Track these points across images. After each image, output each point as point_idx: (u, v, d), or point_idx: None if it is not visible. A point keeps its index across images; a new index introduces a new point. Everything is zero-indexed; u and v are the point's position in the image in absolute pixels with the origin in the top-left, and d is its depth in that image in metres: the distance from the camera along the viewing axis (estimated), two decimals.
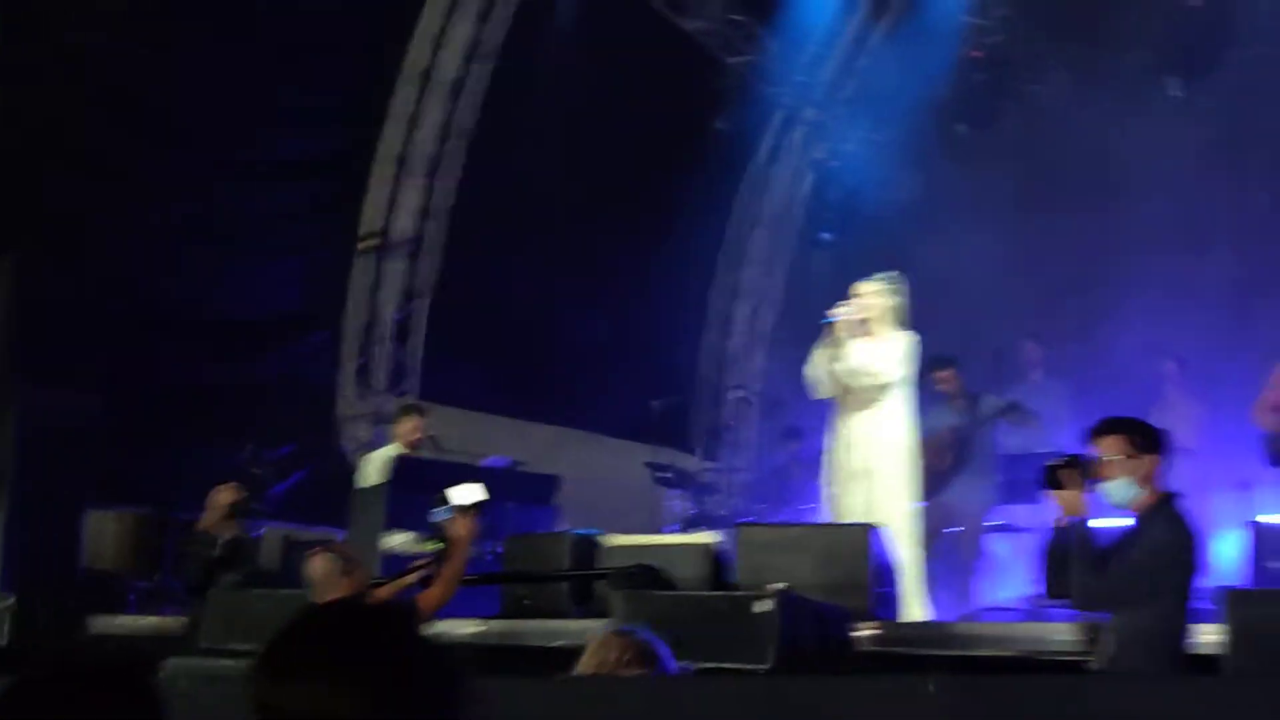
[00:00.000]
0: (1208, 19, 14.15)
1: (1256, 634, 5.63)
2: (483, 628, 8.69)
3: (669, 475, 13.71)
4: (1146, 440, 6.11)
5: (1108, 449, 6.08)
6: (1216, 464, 12.29)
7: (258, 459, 12.05)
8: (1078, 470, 6.08)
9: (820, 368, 9.36)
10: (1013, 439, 12.91)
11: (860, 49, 17.13)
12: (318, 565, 6.81)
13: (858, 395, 9.30)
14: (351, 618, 2.37)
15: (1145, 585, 5.82)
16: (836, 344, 9.29)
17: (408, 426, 11.50)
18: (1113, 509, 6.22)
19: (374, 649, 2.27)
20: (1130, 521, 6.24)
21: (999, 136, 16.16)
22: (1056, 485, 6.08)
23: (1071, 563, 6.00)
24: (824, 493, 9.41)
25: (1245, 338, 13.76)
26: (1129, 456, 6.03)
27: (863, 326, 9.45)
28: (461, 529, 7.23)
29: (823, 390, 9.43)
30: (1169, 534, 5.96)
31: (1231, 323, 14.20)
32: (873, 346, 9.35)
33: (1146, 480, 6.05)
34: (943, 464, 11.12)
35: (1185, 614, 5.91)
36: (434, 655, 2.34)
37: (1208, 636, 6.36)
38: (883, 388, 9.19)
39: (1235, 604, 5.69)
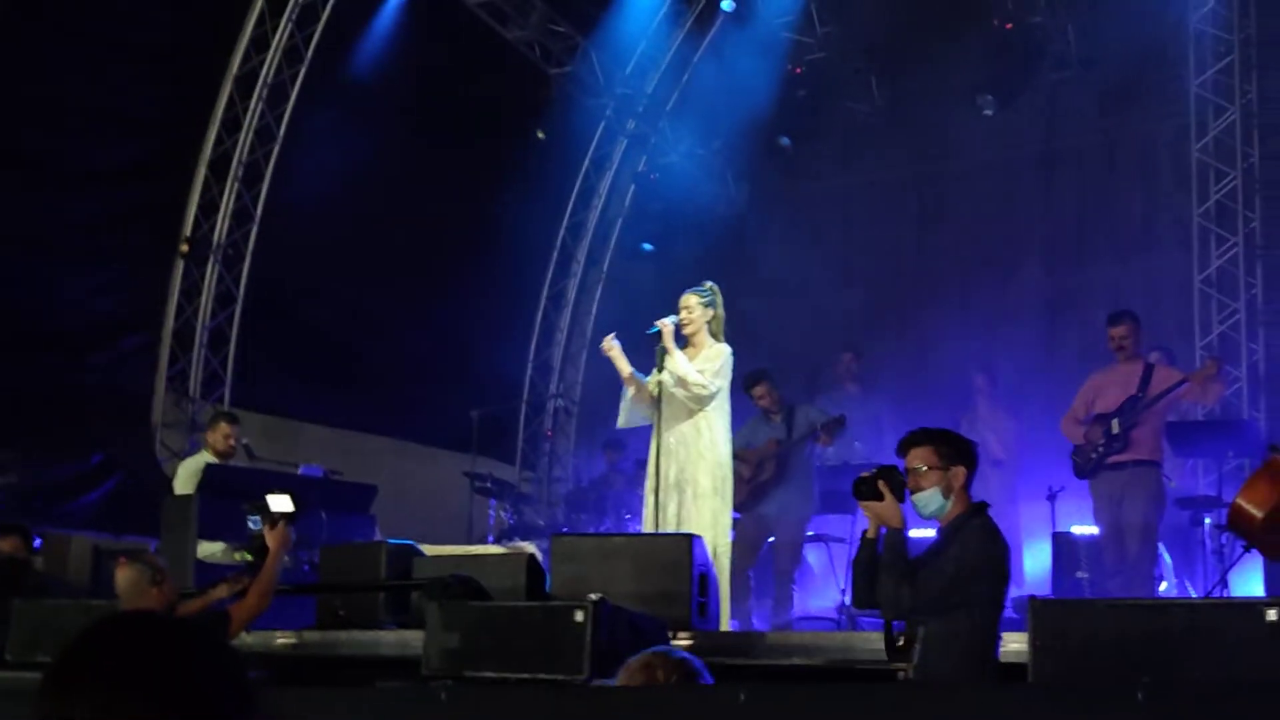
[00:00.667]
0: (1019, 43, 14.49)
1: (1060, 642, 5.73)
2: (297, 639, 8.57)
3: (488, 485, 13.65)
4: (955, 451, 6.17)
5: (918, 460, 6.13)
6: (1025, 475, 12.56)
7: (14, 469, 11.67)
8: (889, 481, 6.11)
9: (630, 373, 9.38)
10: (829, 450, 13.09)
11: (684, 63, 17.25)
12: (125, 575, 6.66)
13: (675, 406, 9.32)
14: (140, 628, 2.31)
15: (957, 595, 5.90)
16: (659, 354, 9.32)
17: (219, 434, 11.28)
18: (922, 520, 6.27)
19: (161, 659, 2.22)
20: (933, 533, 6.30)
21: (821, 151, 16.37)
22: (869, 496, 6.11)
23: (882, 573, 6.04)
24: (645, 504, 9.42)
25: (1054, 352, 14.12)
26: (938, 467, 6.09)
27: (683, 337, 9.51)
28: (274, 539, 7.12)
29: (622, 421, 9.50)
30: (980, 544, 6.04)
31: (1041, 338, 14.56)
32: (698, 359, 9.40)
33: (955, 491, 6.11)
34: (763, 476, 11.22)
35: (996, 623, 6.00)
36: (225, 667, 2.29)
37: (1014, 645, 6.48)
38: (699, 399, 9.22)
39: (1039, 613, 5.78)
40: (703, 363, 9.25)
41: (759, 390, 11.40)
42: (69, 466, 13.23)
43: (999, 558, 6.01)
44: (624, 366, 9.38)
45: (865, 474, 6.19)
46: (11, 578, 8.81)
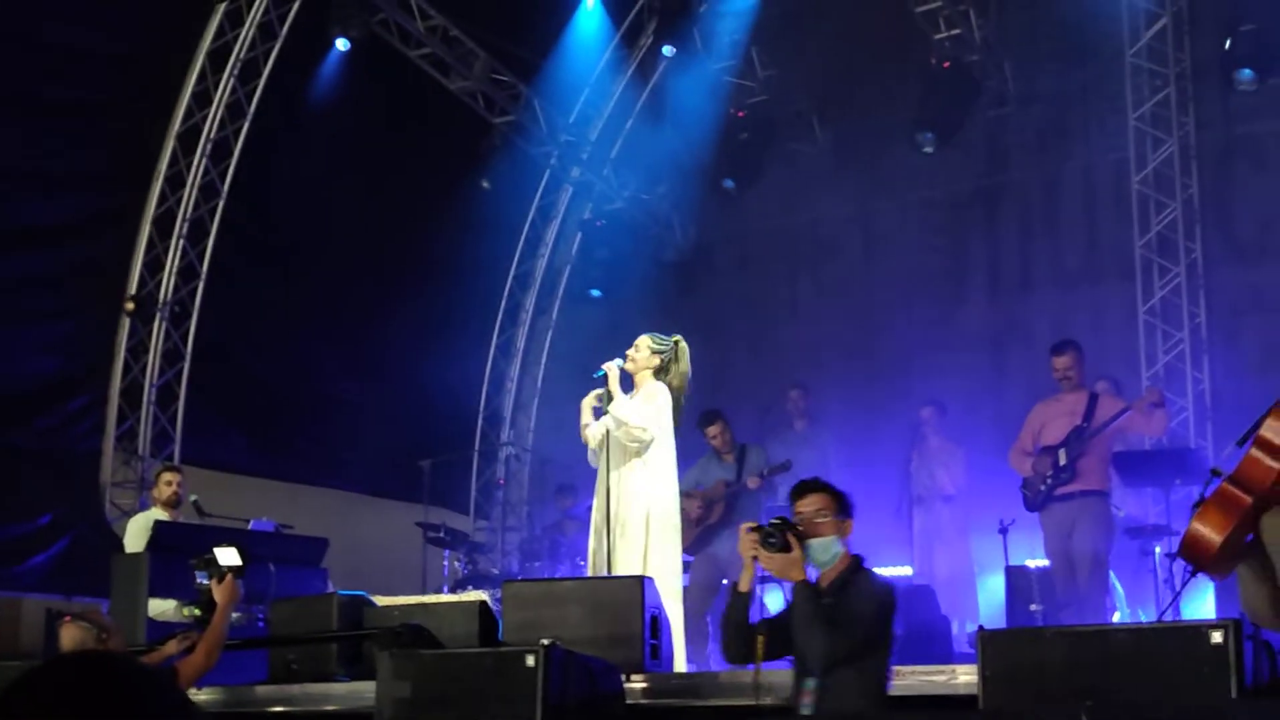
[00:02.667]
0: (958, 81, 14.63)
1: (1009, 672, 5.76)
2: (249, 693, 8.52)
3: (441, 535, 13.61)
4: (847, 504, 6.15)
5: (815, 505, 6.09)
6: (977, 510, 12.61)
7: None
8: (792, 532, 6.04)
9: (588, 423, 9.41)
10: (779, 491, 13.12)
11: (627, 109, 17.33)
12: (70, 634, 6.60)
13: (623, 449, 9.34)
14: (88, 665, 2.31)
15: (876, 639, 5.93)
16: (605, 399, 9.34)
17: (161, 483, 11.25)
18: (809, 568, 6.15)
19: (110, 693, 2.23)
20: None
21: (765, 192, 16.46)
22: (779, 548, 6.01)
23: (814, 624, 5.94)
24: (591, 546, 9.41)
25: (1001, 385, 14.21)
26: (836, 516, 6.08)
27: (630, 381, 9.55)
28: (221, 593, 7.09)
29: (591, 443, 9.47)
30: (881, 587, 6.06)
31: (988, 371, 14.65)
32: (638, 401, 9.42)
33: (845, 541, 6.08)
34: (711, 519, 11.25)
35: (890, 663, 6.03)
36: (173, 705, 2.30)
37: (965, 677, 6.51)
38: (640, 441, 9.24)
39: (988, 643, 5.81)
40: (642, 403, 9.26)
41: (712, 430, 11.47)
42: (16, 528, 13.13)
43: (894, 603, 6.01)
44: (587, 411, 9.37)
45: (773, 522, 6.09)
46: None
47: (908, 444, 12.88)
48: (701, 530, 11.22)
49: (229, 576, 7.02)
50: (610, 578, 8.88)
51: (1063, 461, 10.37)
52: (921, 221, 15.75)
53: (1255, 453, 6.48)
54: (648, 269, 16.19)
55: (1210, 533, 7.23)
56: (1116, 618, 10.76)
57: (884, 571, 12.35)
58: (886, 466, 12.94)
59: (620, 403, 9.16)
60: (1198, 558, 7.36)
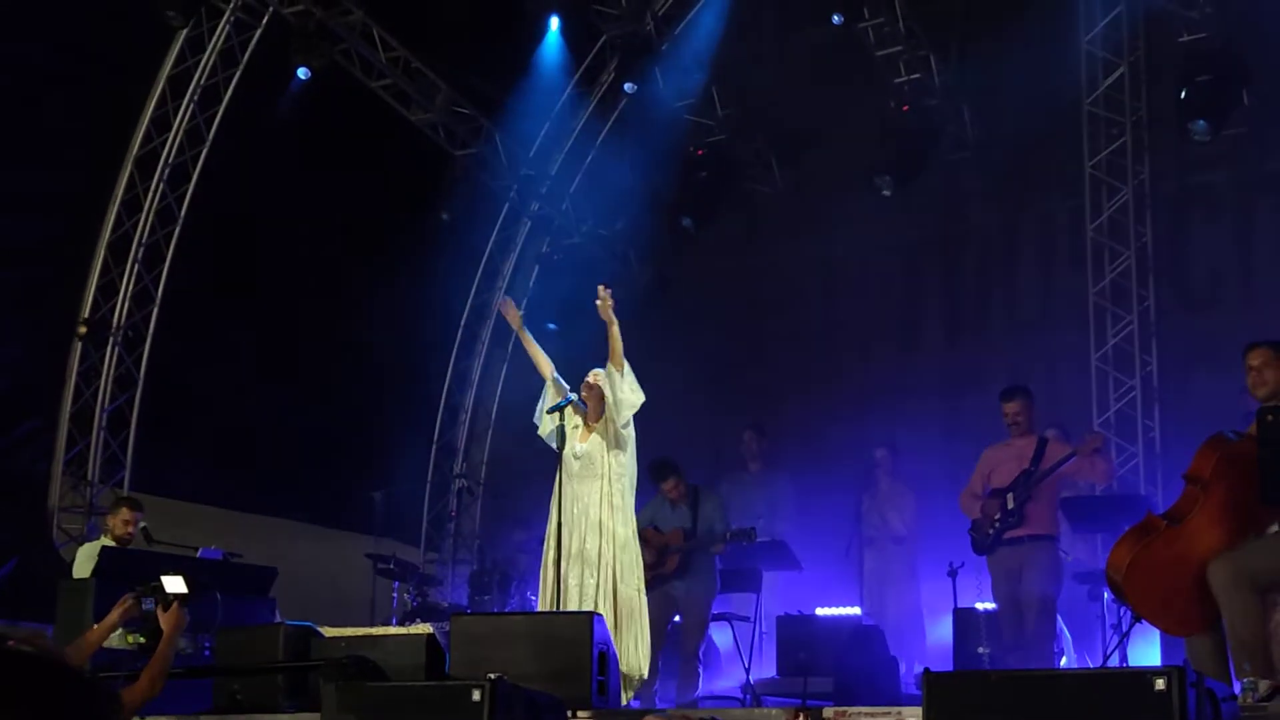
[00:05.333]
0: (916, 125, 14.72)
1: (954, 716, 5.78)
2: None
3: (391, 567, 13.55)
4: None
5: None
6: (926, 552, 12.65)
7: None
8: None
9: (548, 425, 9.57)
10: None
11: (587, 144, 17.37)
12: None
13: (580, 480, 9.40)
14: (15, 663, 2.32)
15: None
16: (571, 422, 9.51)
17: (119, 519, 11.16)
18: None
19: (34, 690, 2.24)
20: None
21: (723, 231, 16.48)
22: None
23: None
24: (543, 577, 9.42)
25: (954, 429, 14.25)
26: None
27: (589, 413, 9.65)
28: (167, 621, 7.03)
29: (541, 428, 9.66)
30: None
31: (941, 414, 14.70)
32: (598, 434, 9.54)
33: None
34: (665, 569, 11.22)
35: None
36: (78, 697, 2.31)
37: (912, 718, 6.53)
38: (605, 467, 9.32)
39: (933, 686, 5.83)
40: (607, 439, 9.43)
41: (668, 484, 11.44)
42: None
43: None
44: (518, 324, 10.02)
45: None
46: None
47: (860, 486, 12.91)
48: (652, 577, 11.21)
49: (175, 604, 6.97)
50: (559, 613, 8.89)
51: (1010, 505, 10.40)
52: (879, 264, 15.81)
53: (1187, 488, 6.65)
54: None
55: (1120, 554, 7.37)
56: (1063, 662, 10.79)
57: (832, 612, 12.41)
58: (838, 508, 12.96)
59: (615, 332, 9.54)
60: (1112, 579, 7.48)
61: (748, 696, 10.96)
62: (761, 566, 12.50)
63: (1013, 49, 14.43)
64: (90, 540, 12.24)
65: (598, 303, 9.61)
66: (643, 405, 9.74)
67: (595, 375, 9.75)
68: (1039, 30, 14.62)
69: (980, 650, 10.79)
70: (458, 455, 17.89)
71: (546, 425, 9.69)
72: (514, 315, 10.03)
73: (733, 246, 16.69)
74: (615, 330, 9.63)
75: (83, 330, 14.26)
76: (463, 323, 17.84)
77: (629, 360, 9.77)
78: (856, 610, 12.45)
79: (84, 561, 10.83)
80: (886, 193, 14.75)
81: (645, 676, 9.37)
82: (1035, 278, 15.14)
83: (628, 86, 15.22)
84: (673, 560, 11.20)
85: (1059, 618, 10.71)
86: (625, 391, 9.58)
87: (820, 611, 12.41)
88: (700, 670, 11.26)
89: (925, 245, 15.69)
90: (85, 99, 13.94)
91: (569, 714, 7.47)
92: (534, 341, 10.00)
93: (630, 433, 9.64)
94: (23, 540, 13.59)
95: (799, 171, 16.38)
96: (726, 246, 16.65)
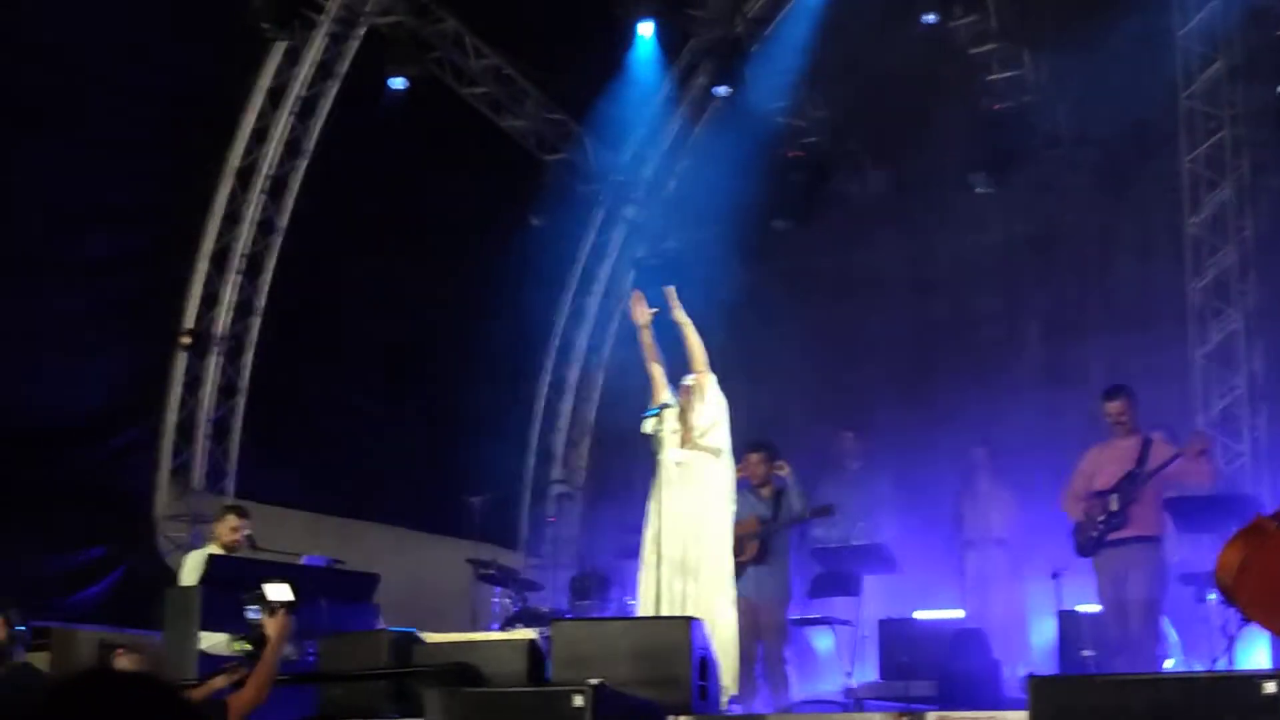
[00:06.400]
0: (1012, 123, 14.61)
1: (1058, 719, 5.74)
2: None
3: (491, 572, 13.62)
4: None
5: None
6: (1029, 553, 12.54)
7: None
8: None
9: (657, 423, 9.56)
10: (833, 532, 13.09)
11: (680, 148, 17.40)
12: (122, 667, 6.66)
13: (678, 486, 9.43)
14: (101, 686, 2.35)
15: None
16: (670, 427, 9.52)
17: (227, 527, 11.31)
18: None
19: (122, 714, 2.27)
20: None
21: (818, 233, 16.44)
22: None
23: None
24: (643, 582, 9.43)
25: (1055, 429, 14.10)
26: None
27: (686, 419, 9.66)
28: (273, 628, 7.11)
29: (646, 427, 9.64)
30: None
31: (1041, 414, 14.55)
32: (695, 441, 9.55)
33: None
34: (743, 556, 11.15)
35: None
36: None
37: None
38: (704, 474, 9.34)
39: (1039, 690, 5.79)
40: (705, 413, 9.48)
41: (754, 457, 11.24)
42: (70, 560, 13.23)
43: None
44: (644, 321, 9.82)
45: None
46: None
47: (960, 487, 12.83)
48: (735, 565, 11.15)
49: (281, 612, 7.04)
50: (659, 618, 8.90)
51: (1114, 507, 10.29)
52: (975, 264, 15.71)
53: None
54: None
55: (1231, 556, 7.27)
56: (1169, 665, 10.66)
57: (934, 615, 12.34)
58: (939, 509, 12.90)
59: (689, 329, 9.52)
60: (1222, 581, 7.38)
61: (849, 700, 10.93)
62: (861, 570, 12.46)
63: (1107, 44, 14.27)
64: (195, 548, 12.41)
65: (669, 305, 9.56)
66: (740, 409, 9.72)
67: (689, 379, 9.74)
68: (1133, 24, 14.45)
69: (1085, 653, 10.69)
70: (556, 460, 17.96)
71: (648, 427, 9.69)
72: (643, 311, 9.91)
73: (827, 248, 16.63)
74: (690, 331, 9.59)
75: (186, 340, 14.44)
76: (560, 328, 17.92)
77: (724, 363, 9.77)
78: (958, 613, 12.38)
79: (191, 569, 10.97)
80: (981, 191, 14.66)
81: (734, 692, 9.31)
82: (1133, 274, 14.97)
83: (719, 90, 15.20)
84: (751, 547, 11.00)
85: (1165, 620, 10.59)
86: (703, 411, 9.52)
87: (921, 614, 12.36)
88: (789, 673, 11.16)
89: (1021, 243, 15.56)
90: (187, 112, 14.13)
91: (669, 719, 7.48)
92: (653, 343, 9.90)
93: (726, 440, 9.61)
94: (129, 549, 13.79)
95: (893, 172, 16.30)
96: (821, 248, 16.60)
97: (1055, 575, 11.39)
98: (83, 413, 13.68)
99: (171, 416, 14.50)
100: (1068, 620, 11.29)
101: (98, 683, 2.35)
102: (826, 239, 16.59)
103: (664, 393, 9.72)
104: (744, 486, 11.47)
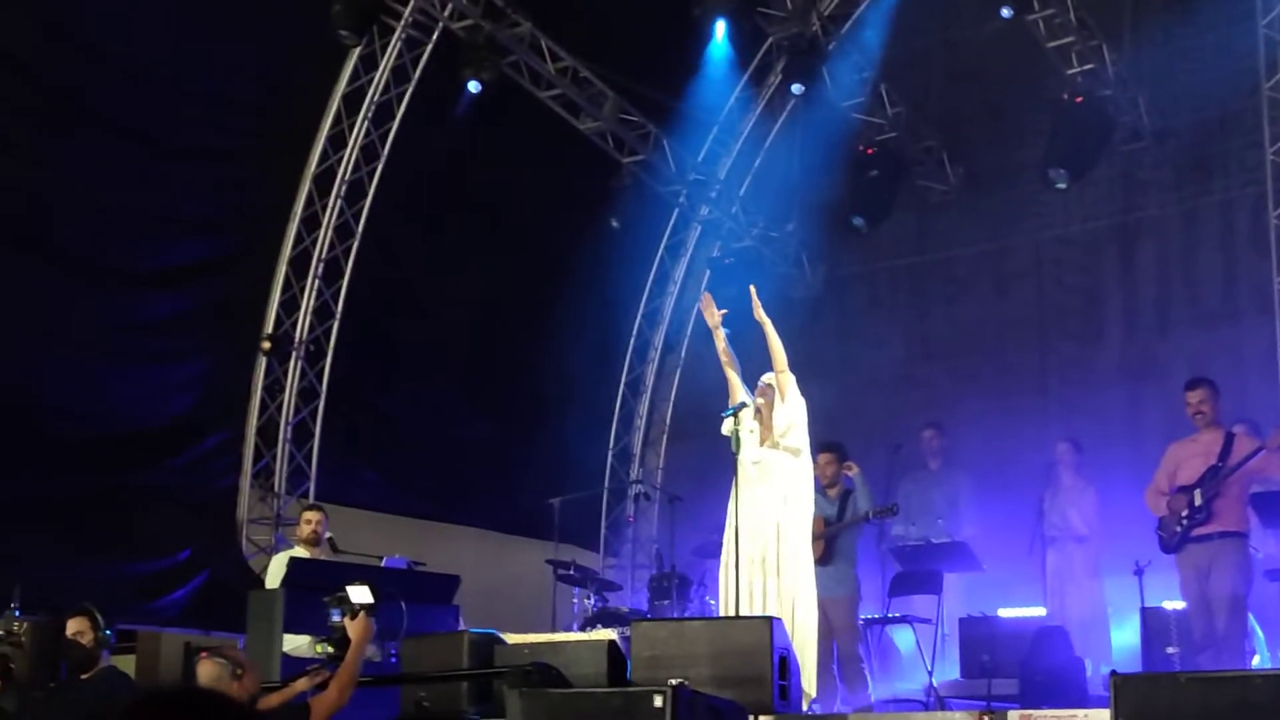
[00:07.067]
0: (1090, 116, 14.47)
1: (1142, 717, 5.68)
2: None
3: (571, 573, 13.65)
4: None
5: None
6: (1110, 550, 12.43)
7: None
8: None
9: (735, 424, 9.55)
10: (913, 529, 13.04)
11: (756, 147, 17.39)
12: (207, 670, 6.70)
13: (757, 485, 9.41)
14: (175, 702, 2.38)
15: None
16: (748, 426, 9.51)
17: (302, 521, 11.45)
18: None
19: None
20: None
21: (895, 230, 16.38)
22: None
23: None
24: (723, 582, 9.43)
25: (1137, 424, 13.99)
26: None
27: (764, 418, 9.65)
28: (355, 630, 7.16)
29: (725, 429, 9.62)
30: None
31: (1123, 409, 14.43)
32: (773, 440, 9.53)
33: None
34: (815, 555, 11.12)
35: None
36: None
37: None
38: (782, 474, 9.32)
39: (1121, 688, 5.74)
40: (784, 413, 9.46)
41: (823, 458, 11.22)
42: (156, 564, 13.38)
43: None
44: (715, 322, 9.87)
45: None
46: (76, 661, 8.88)
47: (1041, 483, 12.72)
48: None
49: (362, 614, 7.09)
50: (739, 618, 8.89)
51: (1198, 502, 10.17)
52: (1055, 259, 15.61)
53: None
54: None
55: None
56: (1256, 662, 10.53)
57: (1016, 612, 12.24)
58: (1020, 506, 12.80)
59: (771, 331, 9.54)
60: None
61: (931, 699, 10.86)
62: (942, 568, 12.39)
63: (1187, 35, 14.15)
64: (278, 552, 12.54)
65: (751, 305, 9.61)
66: (818, 407, 9.70)
67: (767, 378, 9.75)
68: (1213, 15, 14.31)
69: (1169, 650, 10.57)
70: (634, 460, 18.00)
71: (726, 427, 9.68)
72: (713, 313, 9.95)
73: (905, 244, 16.59)
74: (770, 331, 9.61)
75: (266, 345, 14.58)
76: (635, 329, 17.95)
77: (802, 361, 9.74)
78: (1040, 610, 12.27)
79: (275, 573, 11.09)
80: (1061, 186, 14.57)
81: (814, 695, 9.28)
82: (1216, 267, 14.81)
83: (795, 88, 15.15)
84: (817, 548, 10.95)
85: (1251, 616, 10.45)
86: (783, 412, 9.54)
87: (1003, 612, 12.26)
88: (866, 672, 11.09)
89: (1102, 237, 15.44)
90: (264, 119, 14.28)
91: (750, 719, 7.47)
92: (727, 344, 9.93)
93: (805, 440, 9.60)
94: (213, 553, 13.93)
95: (971, 167, 16.23)
96: (898, 244, 16.56)
97: (1138, 571, 11.28)
98: (169, 418, 13.85)
99: (253, 421, 14.64)
100: (1151, 617, 11.17)
101: (175, 701, 2.38)
102: (904, 235, 16.55)
103: (740, 393, 9.72)
104: (813, 487, 11.44)
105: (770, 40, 15.93)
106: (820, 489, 11.13)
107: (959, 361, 15.92)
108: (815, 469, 10.96)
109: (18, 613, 10.09)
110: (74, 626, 8.85)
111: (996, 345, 15.77)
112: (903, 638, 12.50)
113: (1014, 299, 15.84)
